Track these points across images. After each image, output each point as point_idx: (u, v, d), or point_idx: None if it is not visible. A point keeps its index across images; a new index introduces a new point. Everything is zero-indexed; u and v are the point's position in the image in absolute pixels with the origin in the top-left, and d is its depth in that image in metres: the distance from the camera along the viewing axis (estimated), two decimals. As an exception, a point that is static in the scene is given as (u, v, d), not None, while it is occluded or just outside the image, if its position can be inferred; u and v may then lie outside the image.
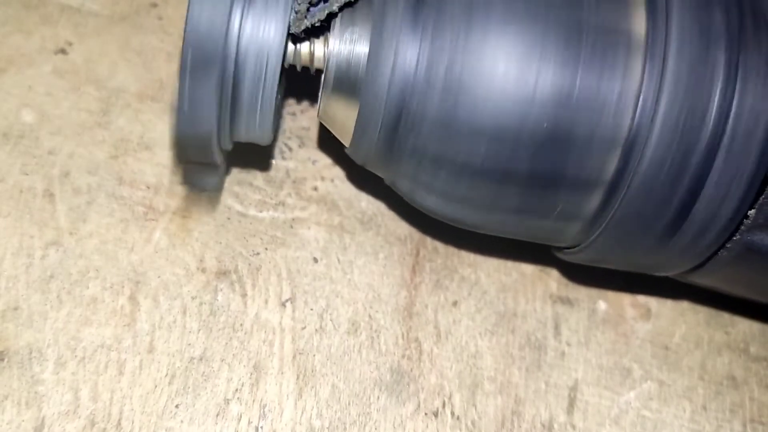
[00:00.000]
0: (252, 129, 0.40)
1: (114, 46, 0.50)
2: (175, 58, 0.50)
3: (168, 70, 0.50)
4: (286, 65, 0.39)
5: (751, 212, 0.37)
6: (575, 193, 0.37)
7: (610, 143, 0.35)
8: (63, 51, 0.49)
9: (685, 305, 0.50)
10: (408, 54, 0.36)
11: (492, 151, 0.36)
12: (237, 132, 0.40)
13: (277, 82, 0.38)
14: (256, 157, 0.48)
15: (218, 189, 0.43)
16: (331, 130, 0.42)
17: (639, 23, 0.36)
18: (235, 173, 0.48)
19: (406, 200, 0.42)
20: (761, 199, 0.37)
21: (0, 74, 0.48)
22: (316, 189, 0.48)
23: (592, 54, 0.35)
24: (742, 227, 0.38)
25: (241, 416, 0.41)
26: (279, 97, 0.42)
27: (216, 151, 0.38)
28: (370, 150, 0.39)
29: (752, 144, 0.35)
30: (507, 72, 0.35)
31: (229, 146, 0.41)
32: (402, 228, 0.48)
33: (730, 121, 0.35)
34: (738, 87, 0.35)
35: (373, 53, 0.36)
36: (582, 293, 0.49)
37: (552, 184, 0.37)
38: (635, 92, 0.35)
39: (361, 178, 0.49)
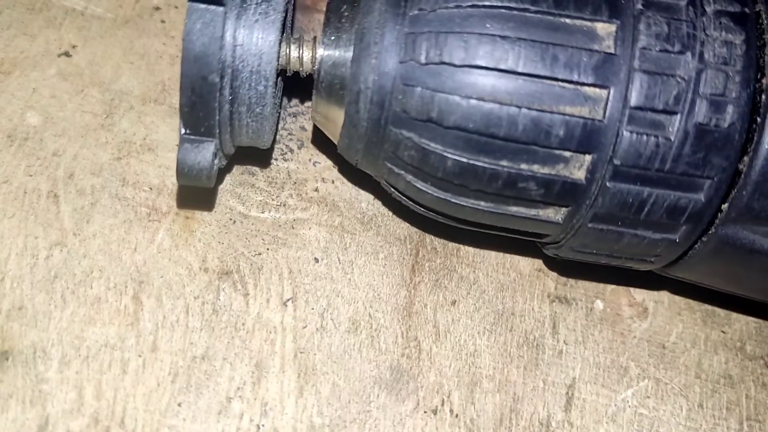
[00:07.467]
0: (252, 135, 0.41)
1: (117, 49, 0.51)
2: (178, 61, 0.51)
3: (171, 73, 0.50)
4: (277, 70, 0.40)
5: (724, 206, 0.38)
6: (552, 189, 0.38)
7: (586, 140, 0.36)
8: (67, 54, 0.50)
9: (681, 304, 0.50)
10: (389, 57, 0.37)
11: (470, 149, 0.37)
12: (238, 137, 0.41)
13: (272, 88, 0.39)
14: (258, 158, 0.49)
15: (215, 165, 0.42)
16: (323, 130, 0.43)
17: (609, 26, 0.37)
18: (237, 175, 0.48)
19: (395, 198, 0.43)
20: (733, 192, 0.37)
21: (5, 77, 0.48)
22: (317, 190, 0.49)
23: (566, 58, 0.36)
24: (717, 221, 0.38)
25: (242, 414, 0.42)
26: (276, 101, 0.42)
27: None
28: (359, 152, 0.40)
29: (720, 139, 0.36)
30: (485, 73, 0.36)
31: (231, 150, 0.42)
32: (402, 228, 0.49)
33: (695, 118, 0.36)
34: (695, 89, 0.36)
35: (356, 57, 0.38)
36: (579, 292, 0.49)
37: (530, 179, 0.38)
38: (606, 91, 0.36)
39: (362, 179, 0.49)
